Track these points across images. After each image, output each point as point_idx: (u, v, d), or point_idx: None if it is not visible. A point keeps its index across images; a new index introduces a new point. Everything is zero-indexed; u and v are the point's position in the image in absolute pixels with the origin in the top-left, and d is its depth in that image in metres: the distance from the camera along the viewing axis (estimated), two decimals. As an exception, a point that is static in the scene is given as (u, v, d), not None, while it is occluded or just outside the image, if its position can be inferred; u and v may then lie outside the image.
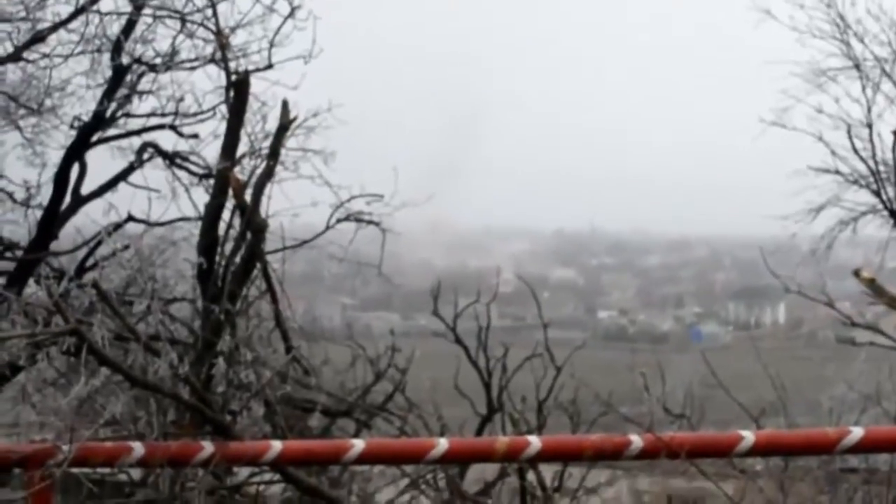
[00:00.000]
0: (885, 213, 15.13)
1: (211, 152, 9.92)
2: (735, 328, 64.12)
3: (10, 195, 11.13)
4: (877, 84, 14.66)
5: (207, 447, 6.78)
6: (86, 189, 10.90)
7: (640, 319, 66.70)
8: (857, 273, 10.41)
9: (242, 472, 8.75)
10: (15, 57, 10.54)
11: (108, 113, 10.68)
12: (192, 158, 10.67)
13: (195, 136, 10.76)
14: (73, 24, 10.51)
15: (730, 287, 69.64)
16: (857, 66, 14.71)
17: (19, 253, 10.80)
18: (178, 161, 10.72)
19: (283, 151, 9.01)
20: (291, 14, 9.95)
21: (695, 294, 71.45)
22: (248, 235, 8.48)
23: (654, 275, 74.27)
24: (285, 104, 9.05)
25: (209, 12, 10.05)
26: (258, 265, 8.74)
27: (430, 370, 10.82)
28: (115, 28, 10.49)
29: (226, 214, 8.78)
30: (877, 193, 15.11)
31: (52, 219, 10.70)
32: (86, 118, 10.73)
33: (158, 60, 10.66)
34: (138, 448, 6.76)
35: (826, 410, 11.24)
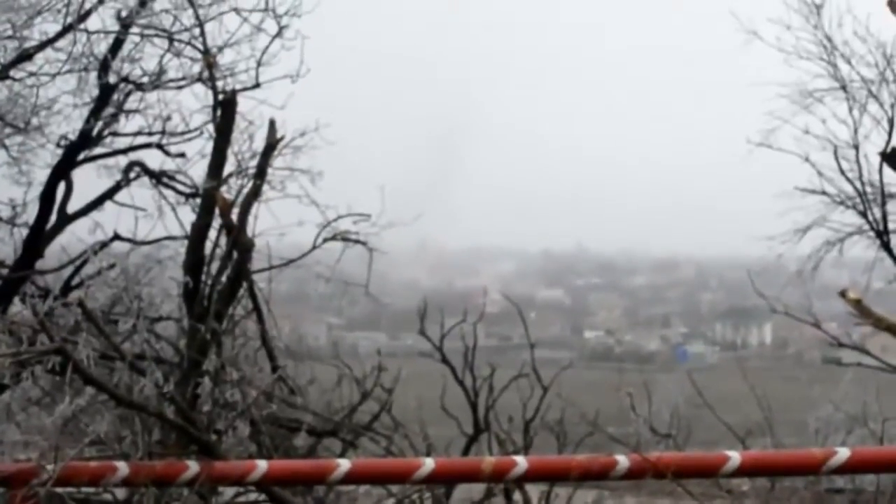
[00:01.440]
0: (872, 234, 15.17)
1: (198, 171, 9.93)
2: (721, 348, 64.19)
3: (-4, 213, 11.11)
4: (863, 105, 14.71)
5: (193, 467, 6.76)
6: (72, 207, 10.88)
7: (627, 339, 66.73)
8: (843, 294, 10.43)
9: (228, 492, 8.72)
10: (1, 75, 10.53)
11: (95, 131, 10.67)
12: (179, 177, 10.66)
13: (182, 155, 10.76)
14: (61, 43, 10.51)
15: (716, 307, 69.74)
16: (844, 88, 14.76)
17: (4, 271, 10.76)
18: (165, 180, 10.71)
19: (269, 171, 9.01)
20: (279, 34, 9.97)
21: (681, 314, 71.52)
22: (235, 254, 8.47)
23: (641, 295, 74.34)
24: (272, 123, 9.05)
25: (197, 31, 10.07)
26: (244, 284, 8.73)
27: (417, 390, 10.81)
28: (102, 47, 10.50)
29: (212, 234, 8.77)
30: (863, 214, 15.15)
31: (38, 237, 10.68)
32: (72, 137, 10.72)
33: (146, 79, 10.66)
34: (123, 468, 6.74)
35: (812, 431, 11.27)
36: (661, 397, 11.63)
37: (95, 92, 10.60)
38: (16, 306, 9.68)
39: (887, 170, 14.33)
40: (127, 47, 10.55)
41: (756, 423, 10.45)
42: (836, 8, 14.39)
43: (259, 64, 9.93)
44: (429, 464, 6.77)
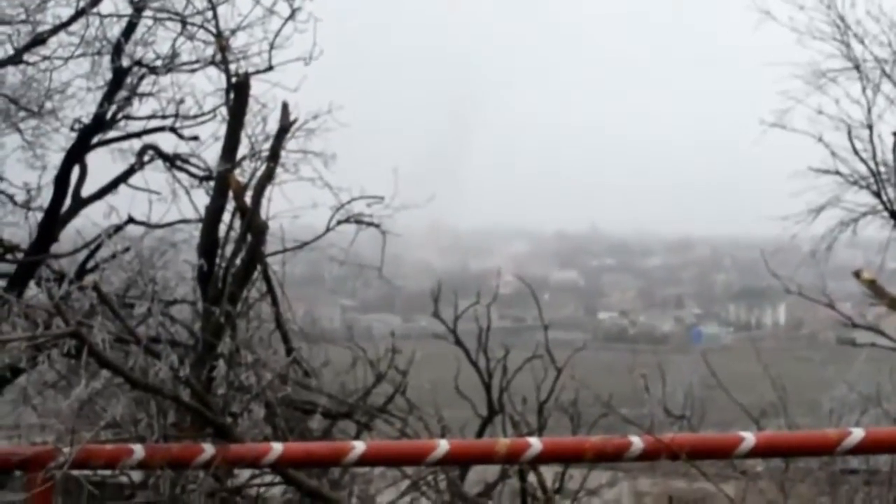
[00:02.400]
0: (886, 214, 15.13)
1: (211, 154, 9.94)
2: (735, 329, 64.13)
3: (11, 197, 11.14)
4: (877, 85, 14.66)
5: (208, 449, 6.78)
6: (86, 191, 10.91)
7: (641, 321, 66.71)
8: (857, 274, 10.43)
9: (243, 475, 8.75)
10: (15, 59, 10.54)
11: (109, 115, 10.69)
12: (193, 160, 10.69)
13: (195, 138, 10.77)
14: (74, 27, 10.52)
15: (730, 288, 69.66)
16: (858, 68, 14.71)
17: (20, 255, 10.80)
18: (179, 163, 10.73)
19: (283, 153, 9.02)
20: (292, 16, 9.95)
21: (695, 295, 71.45)
22: (249, 237, 8.49)
23: (655, 276, 74.27)
24: (285, 106, 9.06)
25: (209, 14, 10.05)
26: (258, 267, 8.74)
27: (431, 372, 10.82)
28: (115, 30, 10.51)
29: (226, 216, 8.79)
30: (877, 194, 15.11)
31: (53, 221, 10.71)
32: (86, 120, 10.74)
33: (159, 63, 10.66)
34: (139, 450, 6.76)
35: (826, 411, 11.25)
36: (675, 378, 11.63)
37: (109, 75, 10.61)
38: (31, 290, 9.72)
39: (901, 149, 14.29)
40: (140, 31, 10.56)
41: (770, 404, 10.43)
42: (849, -12, 14.34)
43: (272, 46, 9.92)
44: (443, 446, 6.78)
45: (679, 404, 11.16)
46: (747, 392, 10.37)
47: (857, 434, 6.68)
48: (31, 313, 7.30)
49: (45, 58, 10.68)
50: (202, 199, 9.57)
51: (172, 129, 10.84)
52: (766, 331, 65.50)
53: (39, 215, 10.86)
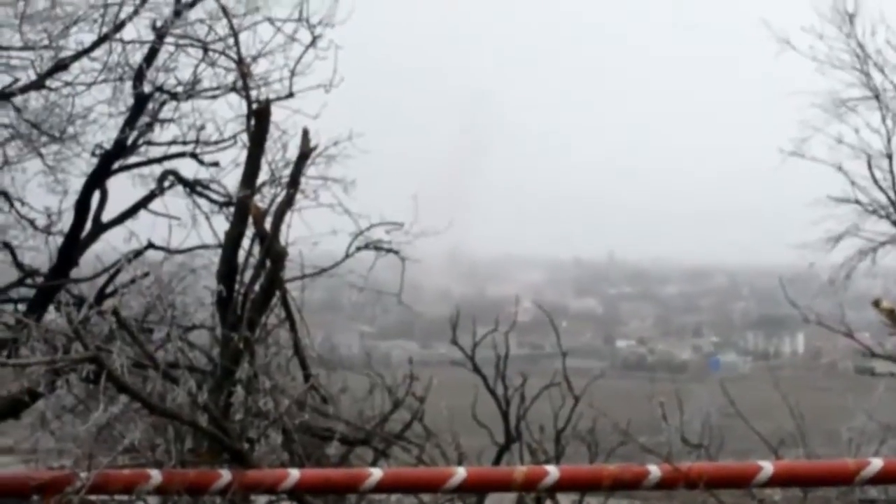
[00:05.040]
0: (905, 243, 15.09)
1: (231, 180, 9.99)
2: (754, 358, 63.93)
3: (32, 222, 11.20)
4: (896, 114, 14.64)
5: (225, 475, 6.80)
6: (106, 216, 10.97)
7: (659, 349, 66.57)
8: (876, 303, 10.37)
9: (260, 501, 8.74)
10: (38, 85, 10.62)
11: (130, 141, 10.76)
12: (213, 186, 10.74)
13: (216, 164, 10.83)
14: (96, 53, 10.60)
15: (748, 316, 69.47)
16: (877, 97, 14.70)
17: (40, 279, 10.85)
18: (199, 189, 10.78)
19: (303, 180, 9.04)
20: (312, 44, 10.01)
21: (713, 323, 71.27)
22: (268, 263, 8.51)
23: (673, 304, 74.18)
24: (306, 133, 9.09)
25: (231, 41, 10.10)
26: (277, 293, 8.76)
27: (448, 399, 10.81)
28: (137, 56, 10.58)
29: (245, 242, 8.81)
30: (896, 224, 15.08)
31: (73, 245, 10.76)
32: (107, 146, 10.81)
33: (180, 89, 10.73)
34: (156, 475, 6.78)
35: (845, 441, 11.19)
36: (692, 407, 11.59)
37: (130, 101, 10.68)
38: (51, 314, 9.77)
39: (920, 178, 14.27)
40: (162, 57, 10.64)
41: (789, 434, 10.38)
42: (870, 17, 14.34)
43: (293, 73, 9.97)
44: (460, 473, 6.78)
45: (697, 433, 11.11)
46: (765, 421, 10.33)
47: (876, 464, 6.65)
48: (50, 338, 7.34)
49: (67, 83, 10.75)
50: (222, 224, 9.61)
51: (193, 155, 10.91)
52: (784, 360, 65.26)
53: (60, 240, 10.91)
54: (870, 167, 14.94)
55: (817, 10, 14.38)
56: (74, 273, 10.77)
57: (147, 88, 10.51)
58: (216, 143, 10.78)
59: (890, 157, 14.76)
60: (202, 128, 10.81)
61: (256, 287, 8.53)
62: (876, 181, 14.97)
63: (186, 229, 10.45)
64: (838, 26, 14.49)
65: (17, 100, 10.70)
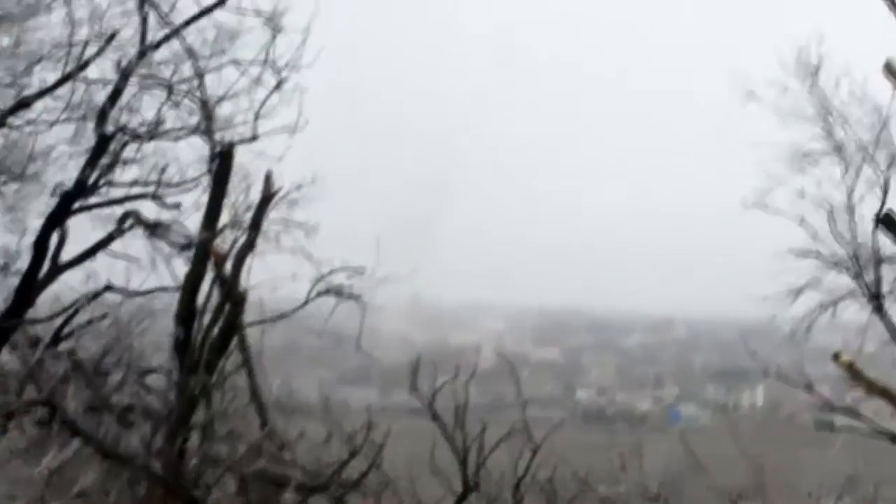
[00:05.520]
0: (865, 297, 15.13)
1: (193, 223, 9.92)
2: (714, 410, 63.98)
3: (-12, 260, 11.07)
4: (858, 168, 14.70)
5: (179, 521, 6.69)
6: (65, 256, 10.86)
7: (619, 399, 66.52)
8: (836, 357, 10.41)
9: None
10: (-1, 122, 10.53)
11: (91, 181, 10.67)
12: (174, 228, 10.66)
13: (177, 206, 10.75)
14: (60, 91, 10.54)
15: (709, 368, 69.58)
16: (840, 150, 14.76)
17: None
18: (160, 231, 10.70)
19: (265, 223, 9.01)
20: (278, 87, 10.00)
21: (674, 374, 71.33)
22: (227, 307, 8.45)
23: (634, 354, 74.21)
24: (269, 176, 9.07)
25: (196, 83, 10.08)
26: (236, 337, 8.70)
27: (407, 447, 10.74)
28: (100, 96, 10.53)
29: (205, 285, 8.75)
30: (857, 277, 15.12)
31: (30, 286, 10.64)
32: (68, 185, 10.72)
33: (143, 129, 10.67)
34: (109, 521, 6.67)
35: (804, 494, 11.18)
36: (653, 458, 11.56)
37: (93, 141, 10.61)
38: (5, 355, 9.64)
39: (881, 233, 14.32)
40: (125, 97, 10.58)
41: (748, 486, 10.38)
42: (833, 71, 14.42)
43: (257, 116, 9.94)
44: (418, 522, 6.71)
45: (656, 484, 11.08)
46: (725, 473, 10.33)
47: (836, 519, 6.64)
48: (3, 379, 7.24)
49: (29, 122, 10.68)
50: (182, 267, 9.55)
51: (154, 197, 10.83)
52: (744, 412, 65.36)
53: (17, 280, 10.79)
54: (831, 220, 14.99)
55: (782, 62, 14.45)
56: (31, 313, 10.63)
57: (110, 128, 10.45)
58: (178, 184, 10.71)
59: (851, 210, 14.81)
60: (164, 169, 10.74)
61: (215, 331, 8.48)
62: (837, 235, 15.02)
63: (146, 271, 10.37)
64: (802, 79, 14.57)
65: (-22, 138, 10.62)
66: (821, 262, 14.94)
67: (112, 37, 10.41)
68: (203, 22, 10.38)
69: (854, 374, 10.50)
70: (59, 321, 10.47)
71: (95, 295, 9.91)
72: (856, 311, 14.97)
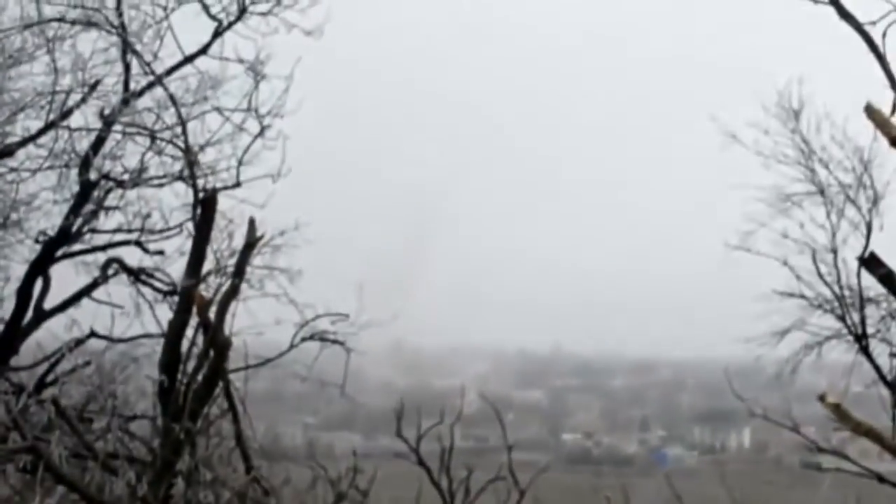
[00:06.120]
0: (850, 338, 15.15)
1: (176, 269, 9.92)
2: (700, 451, 63.90)
3: (-28, 308, 11.05)
4: (841, 210, 14.77)
5: (164, 570, 6.65)
6: (49, 304, 10.84)
7: (605, 442, 66.43)
8: (822, 398, 10.40)
9: None
10: (-18, 170, 10.54)
11: (74, 228, 10.68)
12: (157, 275, 10.67)
13: (161, 252, 10.76)
14: (42, 139, 10.56)
15: (695, 409, 69.55)
16: (822, 192, 14.83)
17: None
18: (143, 277, 10.71)
19: (248, 269, 9.00)
20: (261, 133, 10.02)
21: (660, 416, 71.28)
22: (211, 353, 8.43)
23: (619, 396, 74.18)
24: (252, 222, 9.07)
25: (178, 130, 10.09)
26: (220, 383, 8.68)
27: (393, 491, 10.71)
28: (84, 144, 10.54)
29: (189, 332, 8.74)
30: (842, 318, 15.15)
31: (13, 333, 10.61)
32: (51, 233, 10.72)
33: (126, 177, 10.68)
34: (93, 570, 6.62)
35: (792, 537, 11.16)
36: (640, 501, 11.54)
37: (76, 188, 10.62)
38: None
39: (865, 274, 14.37)
40: (108, 144, 10.61)
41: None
42: (815, 113, 14.51)
43: (240, 163, 9.96)
44: (404, 568, 6.68)
45: (644, 528, 11.05)
46: (712, 516, 10.30)
47: (823, 561, 6.62)
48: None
49: (12, 169, 10.69)
50: (165, 313, 9.54)
51: (138, 244, 10.84)
52: (730, 453, 65.29)
53: (0, 327, 10.76)
54: (815, 262, 15.04)
55: (763, 105, 14.53)
56: (14, 361, 10.61)
57: (93, 176, 10.47)
58: (161, 231, 10.73)
59: (835, 251, 14.86)
60: (148, 216, 10.76)
61: (199, 377, 8.45)
62: (821, 276, 15.06)
63: (129, 318, 10.37)
64: (783, 122, 14.65)
65: (-39, 185, 10.61)
66: (805, 304, 14.99)
67: (95, 85, 10.44)
68: (186, 69, 10.43)
69: (840, 414, 10.49)
70: (42, 368, 10.44)
71: (79, 342, 9.89)
72: (841, 352, 15.00)
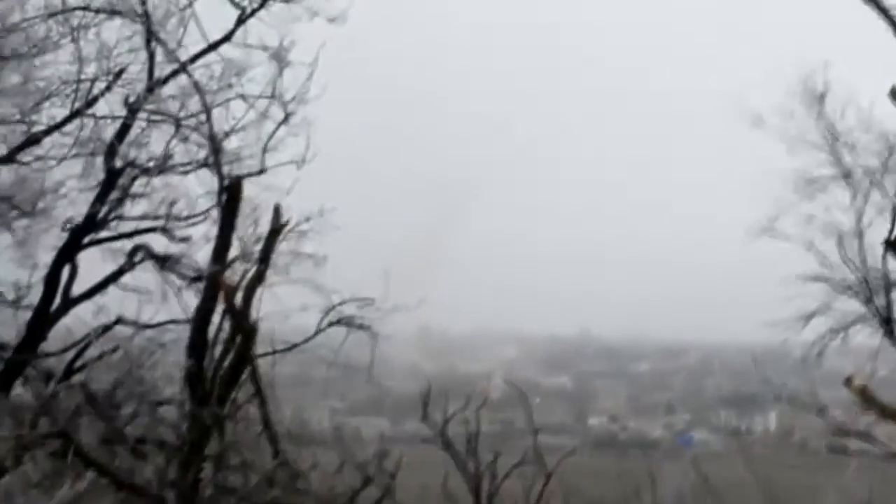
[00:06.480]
0: (876, 321, 15.11)
1: (202, 256, 9.97)
2: (726, 435, 63.69)
3: (0, 295, 11.12)
4: (866, 194, 14.72)
5: (193, 553, 6.71)
6: (76, 290, 10.90)
7: (631, 426, 66.27)
8: (848, 381, 10.39)
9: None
10: (9, 159, 10.61)
11: (101, 215, 10.73)
12: (183, 261, 10.71)
13: (187, 239, 10.81)
14: (68, 128, 10.61)
15: (720, 393, 69.30)
16: (847, 176, 14.79)
17: (7, 354, 10.75)
18: (169, 264, 10.75)
19: (274, 255, 9.04)
20: (285, 120, 10.05)
21: (685, 400, 71.04)
22: (238, 338, 8.48)
23: (645, 381, 73.97)
24: (277, 209, 9.11)
25: (203, 117, 10.13)
26: (247, 368, 8.72)
27: (419, 476, 10.75)
28: (109, 131, 10.60)
29: (216, 318, 8.78)
30: (867, 302, 15.11)
31: (42, 320, 10.68)
32: (78, 220, 10.78)
33: (152, 164, 10.73)
34: (123, 553, 6.68)
35: (818, 519, 11.16)
36: (665, 484, 11.55)
37: (102, 176, 10.67)
38: (18, 389, 9.67)
39: (891, 258, 14.32)
40: (134, 132, 10.65)
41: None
42: (839, 97, 14.46)
43: (265, 150, 9.99)
44: (431, 551, 6.71)
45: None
46: (738, 499, 10.31)
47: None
48: (17, 413, 7.26)
49: (38, 158, 10.75)
50: (192, 300, 9.58)
51: (164, 230, 10.89)
52: (756, 437, 65.02)
53: (28, 314, 10.83)
54: (840, 246, 15.00)
55: (788, 90, 14.49)
56: (43, 347, 10.68)
57: (119, 163, 10.51)
58: (187, 218, 10.77)
59: (860, 235, 14.82)
60: (173, 203, 10.80)
61: (226, 362, 8.50)
62: (846, 260, 15.02)
63: (156, 304, 10.40)
64: (808, 106, 14.60)
65: (-11, 174, 10.69)
66: (830, 288, 14.95)
67: (120, 73, 10.49)
68: (210, 57, 10.46)
69: (867, 397, 10.47)
70: (71, 354, 10.51)
71: (107, 328, 9.95)
72: (867, 336, 14.97)
